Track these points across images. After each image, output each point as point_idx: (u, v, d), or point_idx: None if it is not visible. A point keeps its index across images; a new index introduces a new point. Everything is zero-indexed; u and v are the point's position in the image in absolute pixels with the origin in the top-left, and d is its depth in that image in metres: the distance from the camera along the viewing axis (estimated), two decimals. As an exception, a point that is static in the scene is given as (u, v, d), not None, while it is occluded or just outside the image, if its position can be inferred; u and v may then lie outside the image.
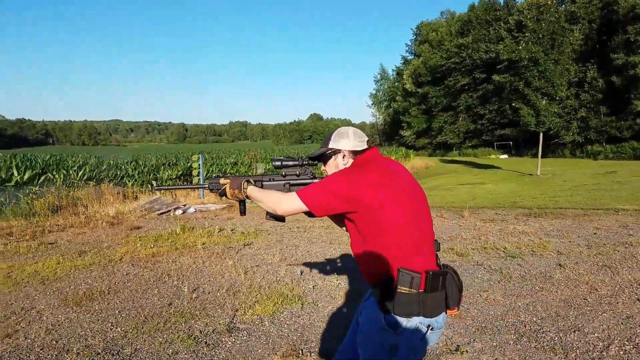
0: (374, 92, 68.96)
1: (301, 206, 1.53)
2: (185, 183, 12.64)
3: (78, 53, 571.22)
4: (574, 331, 2.91)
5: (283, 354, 2.78)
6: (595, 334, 2.86)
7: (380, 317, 1.46)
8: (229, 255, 5.31)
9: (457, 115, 46.82)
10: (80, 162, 13.56)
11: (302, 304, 3.63)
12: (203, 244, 5.95)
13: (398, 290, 1.42)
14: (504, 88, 34.18)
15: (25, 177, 10.88)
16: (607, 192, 11.17)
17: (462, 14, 51.10)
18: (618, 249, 4.96)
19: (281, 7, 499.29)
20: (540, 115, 19.43)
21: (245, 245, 5.84)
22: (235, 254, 5.35)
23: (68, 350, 2.88)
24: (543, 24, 19.33)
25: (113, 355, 2.80)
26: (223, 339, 3.00)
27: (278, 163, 1.81)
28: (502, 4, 44.23)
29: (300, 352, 2.82)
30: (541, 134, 19.86)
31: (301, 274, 4.48)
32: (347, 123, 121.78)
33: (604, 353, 2.62)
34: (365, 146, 1.66)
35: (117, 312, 3.55)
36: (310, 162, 1.79)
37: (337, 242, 5.81)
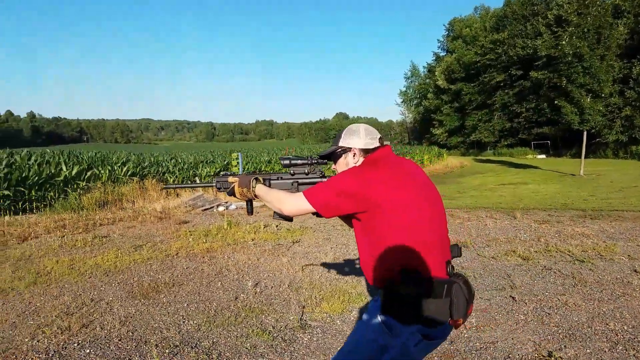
0: (403, 89, 67.63)
1: (307, 207, 1.47)
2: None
3: (113, 57, 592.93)
4: (673, 341, 2.70)
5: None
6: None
7: (381, 316, 1.42)
8: (281, 252, 5.30)
9: (492, 113, 45.27)
10: (124, 159, 13.97)
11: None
12: (252, 240, 5.98)
13: (400, 294, 1.37)
14: (542, 85, 32.95)
15: (74, 172, 11.29)
16: (663, 193, 10.54)
17: (497, 9, 49.53)
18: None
19: (308, 6, 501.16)
20: (584, 113, 18.56)
21: (294, 242, 5.83)
22: (286, 251, 5.34)
23: (146, 342, 2.92)
24: (588, 18, 18.45)
25: (192, 347, 2.81)
26: (298, 335, 2.97)
27: (286, 162, 1.74)
28: (539, -1, 42.65)
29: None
30: (585, 133, 18.98)
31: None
32: (373, 122, 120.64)
33: None
34: (377, 144, 1.57)
35: (185, 305, 3.58)
36: (320, 160, 1.72)
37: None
